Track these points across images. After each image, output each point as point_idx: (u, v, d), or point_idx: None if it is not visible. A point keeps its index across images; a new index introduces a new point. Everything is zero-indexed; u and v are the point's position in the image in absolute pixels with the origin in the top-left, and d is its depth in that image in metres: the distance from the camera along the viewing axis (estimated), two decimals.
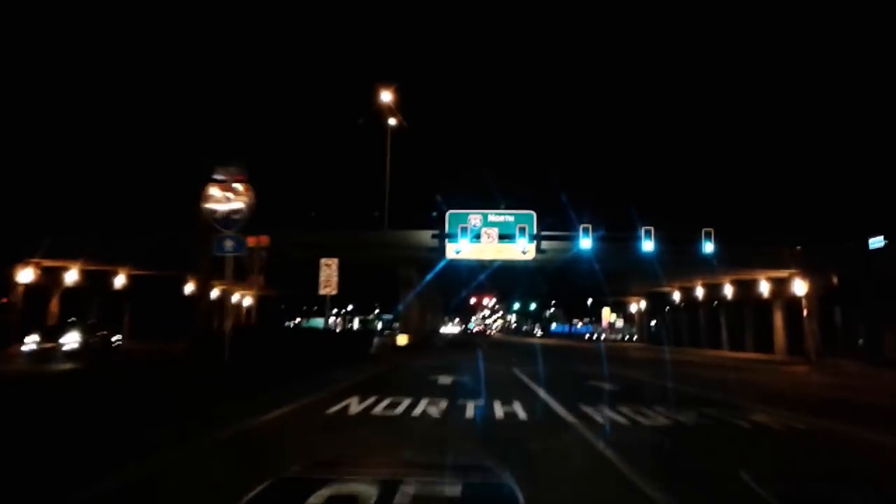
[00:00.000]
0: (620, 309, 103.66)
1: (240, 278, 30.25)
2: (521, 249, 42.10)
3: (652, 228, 38.38)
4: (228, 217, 15.95)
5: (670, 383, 18.44)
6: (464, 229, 41.09)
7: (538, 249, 42.16)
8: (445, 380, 17.46)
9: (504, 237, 40.62)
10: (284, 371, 16.44)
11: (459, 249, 42.38)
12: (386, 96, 44.68)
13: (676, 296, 63.92)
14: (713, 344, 56.80)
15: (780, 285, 45.32)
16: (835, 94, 65.24)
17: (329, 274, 26.12)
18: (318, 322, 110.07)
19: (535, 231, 41.71)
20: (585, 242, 39.06)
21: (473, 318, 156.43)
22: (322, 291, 26.52)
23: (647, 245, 38.00)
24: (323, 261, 26.36)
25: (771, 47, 76.24)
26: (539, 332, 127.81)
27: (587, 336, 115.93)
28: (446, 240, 42.39)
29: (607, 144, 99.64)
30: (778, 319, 46.34)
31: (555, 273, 53.62)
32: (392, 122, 45.82)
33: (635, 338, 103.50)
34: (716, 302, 56.73)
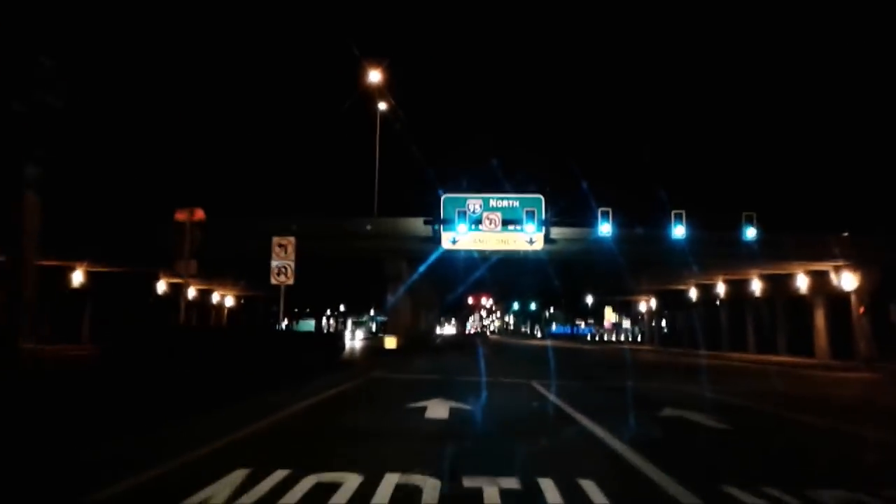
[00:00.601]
0: (625, 309, 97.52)
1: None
2: (528, 238, 35.84)
3: (683, 212, 32.18)
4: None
5: (789, 413, 12.20)
6: (462, 214, 34.76)
7: (547, 238, 35.88)
8: (438, 411, 10.68)
9: (509, 223, 34.32)
10: (183, 392, 10.07)
11: (456, 239, 36.05)
12: (375, 76, 38.38)
13: (693, 293, 57.64)
14: (736, 346, 50.47)
15: (822, 279, 39.08)
16: (885, 65, 58.70)
17: (284, 259, 19.72)
18: (310, 325, 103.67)
19: (544, 217, 35.44)
20: (605, 228, 32.78)
21: (471, 319, 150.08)
22: (274, 281, 20.12)
23: (679, 231, 31.75)
24: (275, 240, 19.96)
25: (808, 22, 69.54)
26: (538, 334, 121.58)
27: (589, 337, 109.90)
28: (441, 227, 36.09)
29: (625, 120, 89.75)
30: (819, 318, 40.03)
31: (562, 268, 47.48)
32: (382, 106, 39.57)
33: (638, 338, 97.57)
34: (733, 300, 50.58)
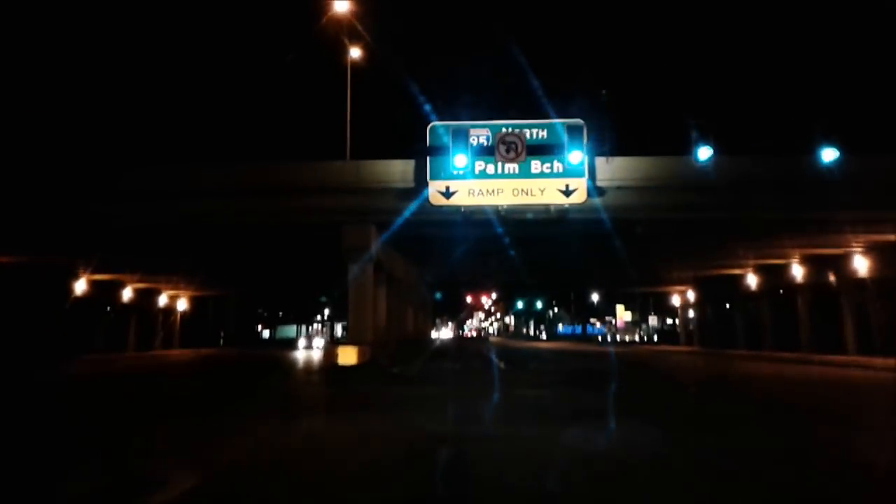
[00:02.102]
0: (643, 304, 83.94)
1: None
2: (562, 187, 22.45)
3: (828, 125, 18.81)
4: None
5: None
6: (460, 146, 21.41)
7: (594, 188, 22.60)
8: None
9: (533, 159, 20.76)
10: None
11: (452, 190, 22.66)
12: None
13: (751, 279, 44.17)
14: (823, 346, 36.89)
15: None
16: None
17: None
18: (290, 331, 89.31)
19: (583, 158, 22.13)
20: (704, 153, 19.33)
21: (469, 322, 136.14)
22: None
23: (829, 155, 18.42)
24: None
25: None
26: (543, 335, 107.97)
27: (600, 338, 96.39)
28: (428, 169, 22.73)
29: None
30: None
31: (596, 243, 33.84)
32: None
33: (655, 337, 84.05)
34: (817, 284, 37.18)
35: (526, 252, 36.72)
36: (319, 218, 23.69)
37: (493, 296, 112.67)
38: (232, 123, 33.89)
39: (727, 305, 49.74)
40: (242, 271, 45.58)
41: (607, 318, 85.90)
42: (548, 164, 22.66)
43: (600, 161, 22.98)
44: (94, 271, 42.09)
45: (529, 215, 23.63)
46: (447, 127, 22.38)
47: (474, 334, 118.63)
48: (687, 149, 22.50)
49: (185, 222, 24.51)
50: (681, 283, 55.07)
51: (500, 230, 26.41)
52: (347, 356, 20.22)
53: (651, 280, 55.84)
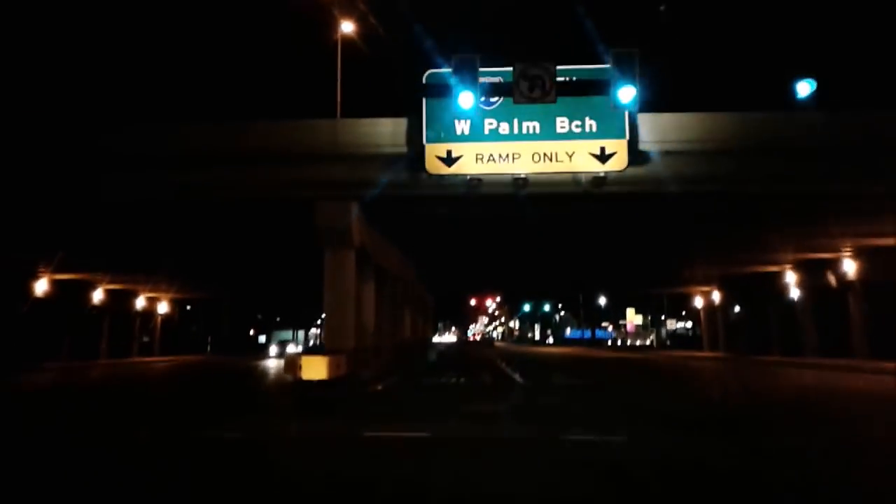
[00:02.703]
0: (656, 306, 78.49)
1: None
2: (597, 150, 17.28)
3: None
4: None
5: None
6: (467, 86, 16.24)
7: (636, 154, 17.46)
8: None
9: (569, 92, 15.38)
10: None
11: (454, 154, 17.51)
12: None
13: (790, 277, 38.85)
14: (879, 351, 31.47)
15: None
16: None
17: None
18: (286, 336, 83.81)
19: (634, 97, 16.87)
20: (804, 88, 14.00)
21: (472, 326, 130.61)
22: None
23: None
24: None
25: None
26: (549, 340, 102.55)
27: (609, 343, 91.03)
28: (425, 128, 17.56)
29: None
30: None
31: (612, 232, 28.31)
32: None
33: (667, 342, 78.62)
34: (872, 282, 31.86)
35: (535, 244, 31.49)
36: (288, 193, 18.47)
37: (497, 299, 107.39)
38: (205, 81, 28.47)
39: (760, 306, 44.34)
40: (230, 271, 40.40)
41: (622, 322, 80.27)
42: (577, 122, 17.43)
43: (646, 118, 17.79)
44: (57, 270, 36.91)
45: (552, 189, 18.35)
46: (447, 73, 17.20)
47: (478, 339, 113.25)
48: (763, 101, 17.40)
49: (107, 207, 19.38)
50: (705, 282, 49.70)
51: (507, 215, 21.22)
52: (314, 369, 14.85)
53: (668, 280, 50.56)
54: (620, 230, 27.24)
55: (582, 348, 71.34)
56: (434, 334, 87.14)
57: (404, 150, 17.86)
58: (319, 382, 14.31)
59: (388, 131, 18.00)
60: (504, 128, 17.52)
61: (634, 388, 17.66)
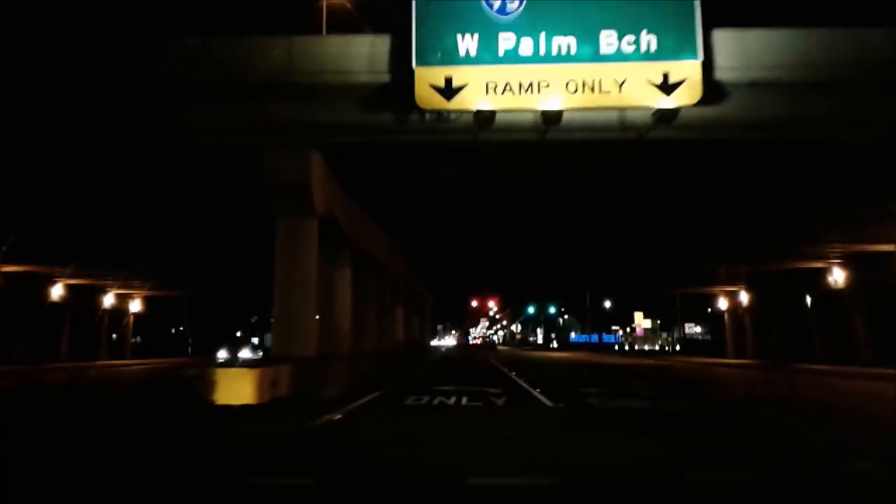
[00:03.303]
0: (666, 309, 73.09)
1: None
2: (655, 78, 12.06)
3: None
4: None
5: None
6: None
7: (709, 85, 12.22)
8: None
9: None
10: None
11: (460, 83, 12.26)
12: None
13: (837, 275, 33.59)
14: None
15: None
16: None
17: None
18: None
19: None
20: None
21: (473, 329, 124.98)
22: None
23: None
24: None
25: None
26: (554, 344, 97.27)
27: (617, 347, 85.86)
28: (414, 48, 12.38)
29: None
30: None
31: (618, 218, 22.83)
32: None
33: (677, 346, 73.17)
34: None
35: (546, 225, 26.27)
36: (227, 139, 13.21)
37: (499, 301, 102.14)
38: None
39: (797, 308, 39.00)
40: (213, 266, 35.11)
41: (633, 325, 75.02)
42: (630, 37, 12.15)
43: (724, 36, 12.59)
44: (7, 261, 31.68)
45: (590, 135, 13.06)
46: None
47: (479, 342, 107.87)
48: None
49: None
50: (728, 281, 44.44)
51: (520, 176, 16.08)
52: (232, 388, 9.27)
53: (684, 278, 45.32)
54: (640, 211, 21.98)
55: (589, 353, 65.96)
56: (433, 337, 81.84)
57: (386, 78, 12.62)
58: (241, 409, 9.02)
59: (363, 52, 12.75)
60: (526, 45, 12.28)
61: (738, 420, 11.58)
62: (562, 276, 50.08)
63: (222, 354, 29.59)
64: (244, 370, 9.46)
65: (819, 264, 34.19)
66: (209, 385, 9.33)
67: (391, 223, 21.95)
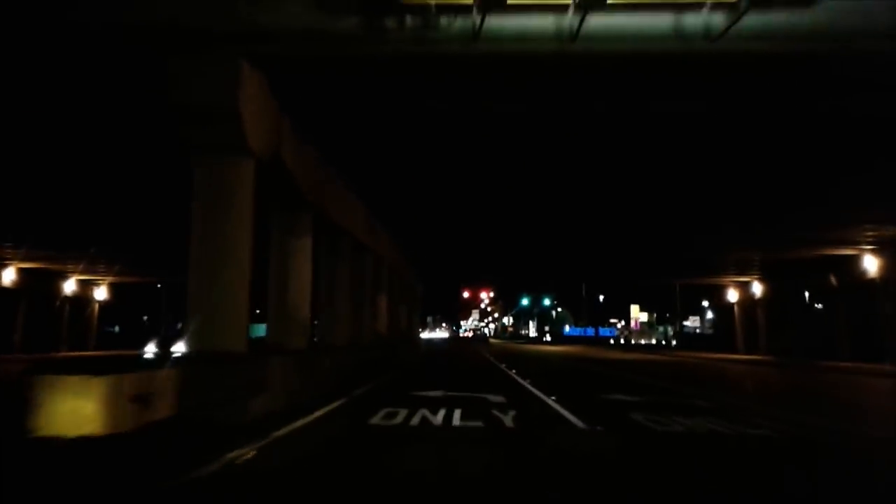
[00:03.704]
0: (666, 301, 69.68)
1: None
2: None
3: None
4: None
5: None
6: None
7: None
8: None
9: None
10: None
11: None
12: None
13: (870, 262, 30.11)
14: None
15: None
16: None
17: None
18: (261, 330, 74.54)
19: None
20: None
21: (465, 322, 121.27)
22: None
23: None
24: None
25: None
26: (547, 337, 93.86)
27: (612, 341, 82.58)
28: None
29: None
30: None
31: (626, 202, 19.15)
32: None
33: (674, 342, 69.90)
34: None
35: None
36: (127, 44, 9.36)
37: (491, 293, 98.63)
38: None
39: (818, 300, 35.57)
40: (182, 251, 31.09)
41: (633, 318, 71.67)
42: None
43: None
44: None
45: (631, 46, 9.30)
46: None
47: (470, 335, 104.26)
48: None
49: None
50: (738, 270, 40.98)
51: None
52: (70, 409, 5.02)
53: (685, 269, 41.85)
54: (646, 185, 18.44)
55: (585, 347, 62.48)
56: (423, 329, 78.21)
57: None
58: (69, 448, 5.23)
59: None
60: None
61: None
62: (557, 265, 46.55)
63: (150, 349, 25.32)
64: (88, 378, 5.63)
65: (847, 251, 30.69)
66: (28, 403, 5.56)
67: (369, 191, 18.15)
